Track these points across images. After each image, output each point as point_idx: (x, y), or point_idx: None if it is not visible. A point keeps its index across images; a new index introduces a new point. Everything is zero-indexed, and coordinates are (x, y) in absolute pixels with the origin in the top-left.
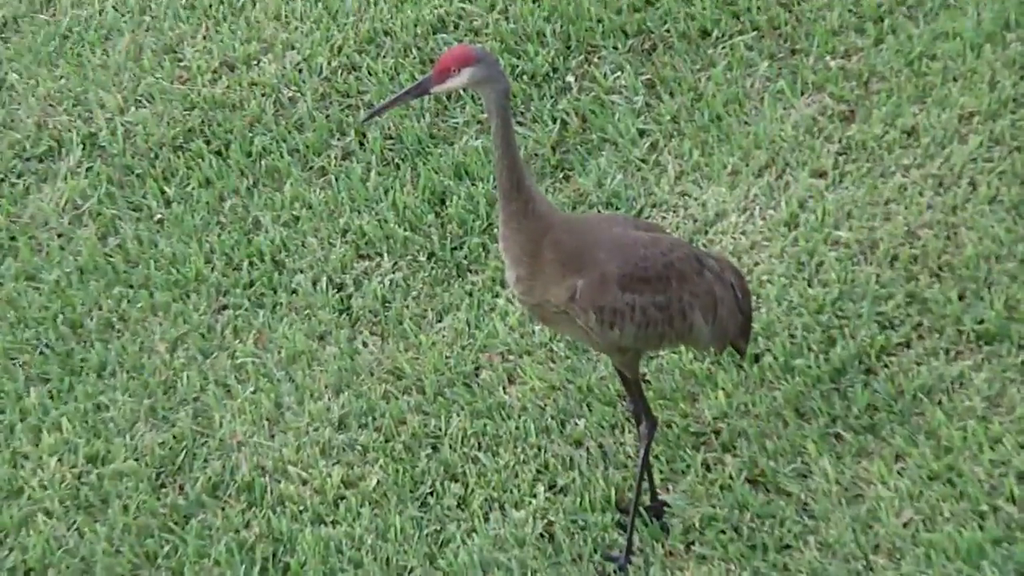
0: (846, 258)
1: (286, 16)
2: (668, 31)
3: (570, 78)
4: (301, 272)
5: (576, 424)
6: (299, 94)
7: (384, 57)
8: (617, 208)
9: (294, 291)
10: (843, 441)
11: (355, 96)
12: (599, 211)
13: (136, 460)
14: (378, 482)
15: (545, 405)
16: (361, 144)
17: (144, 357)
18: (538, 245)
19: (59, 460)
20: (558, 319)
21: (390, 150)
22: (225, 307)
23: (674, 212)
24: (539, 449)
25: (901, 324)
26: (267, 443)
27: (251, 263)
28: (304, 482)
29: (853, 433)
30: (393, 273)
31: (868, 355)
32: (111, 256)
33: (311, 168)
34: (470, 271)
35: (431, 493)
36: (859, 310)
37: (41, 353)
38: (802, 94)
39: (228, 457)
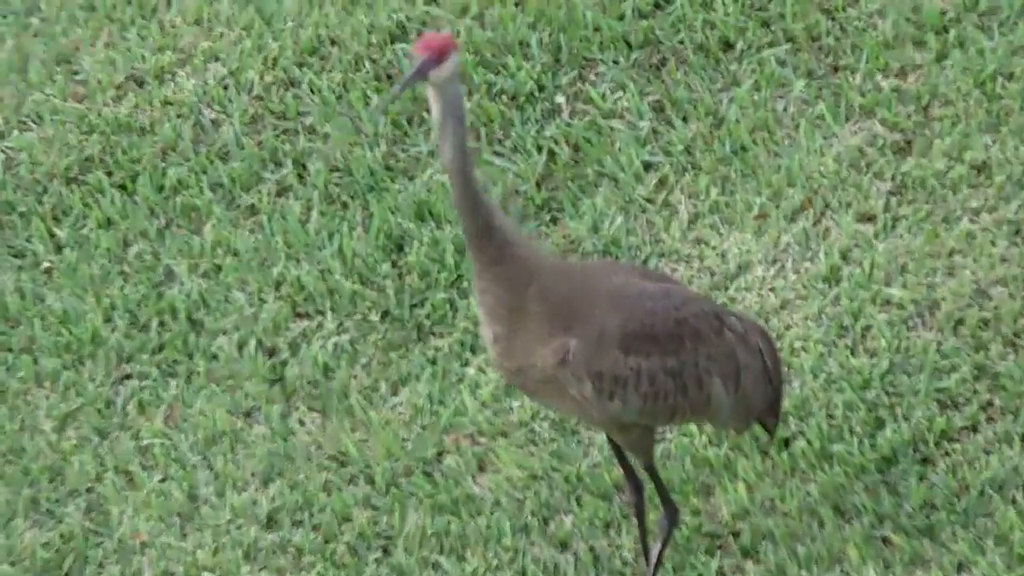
0: (899, 321)
1: (209, 20)
2: (682, 42)
3: (560, 98)
4: (224, 333)
5: (562, 522)
6: (224, 115)
7: (329, 71)
8: (617, 257)
9: (214, 357)
10: (892, 546)
11: (293, 118)
12: (595, 259)
13: (12, 564)
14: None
15: (524, 498)
16: (301, 178)
17: (25, 437)
18: (520, 296)
19: None
20: (544, 389)
21: (336, 184)
22: (128, 376)
23: (687, 263)
24: (516, 552)
25: (966, 403)
26: (177, 544)
27: (161, 322)
28: None
29: (905, 536)
30: (338, 335)
31: (924, 441)
32: None
33: (238, 206)
34: (433, 333)
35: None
36: (915, 385)
37: None
38: (847, 120)
39: (128, 561)
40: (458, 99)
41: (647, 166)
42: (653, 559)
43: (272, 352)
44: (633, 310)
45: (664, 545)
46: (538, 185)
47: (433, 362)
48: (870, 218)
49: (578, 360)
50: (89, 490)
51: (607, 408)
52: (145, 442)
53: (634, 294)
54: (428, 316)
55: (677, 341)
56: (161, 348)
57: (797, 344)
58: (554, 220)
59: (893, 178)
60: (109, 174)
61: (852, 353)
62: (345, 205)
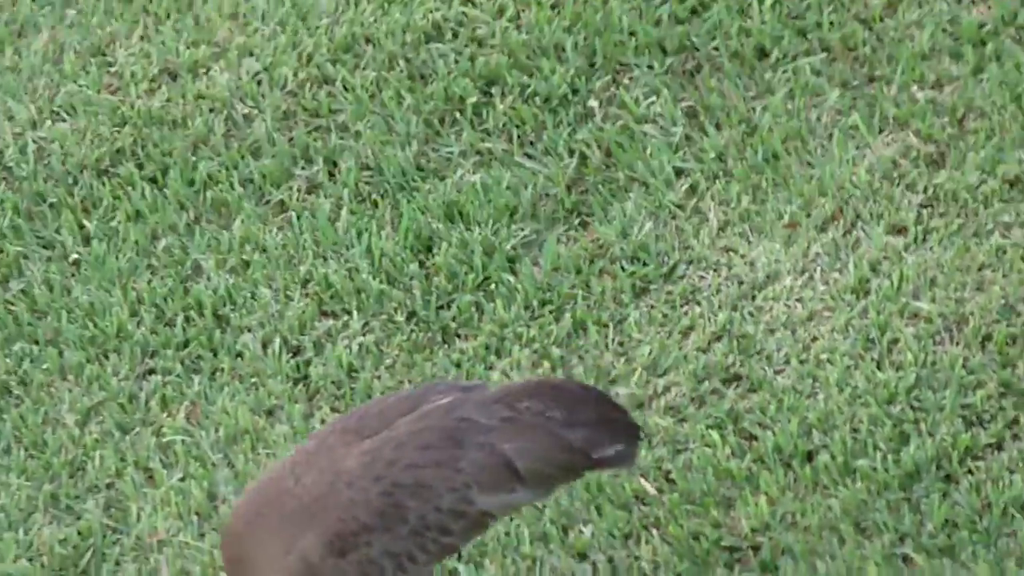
0: (926, 336)
1: (244, 15)
2: (717, 49)
3: (593, 102)
4: (249, 331)
5: (581, 532)
6: (256, 111)
7: (363, 69)
8: (644, 264)
9: (239, 354)
10: (913, 565)
11: (326, 115)
12: (621, 266)
13: (30, 560)
14: None
15: (543, 507)
16: (331, 175)
17: (47, 431)
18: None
19: None
20: None
21: (367, 183)
22: (152, 371)
23: (715, 271)
24: (534, 561)
25: (992, 420)
26: (195, 543)
27: (187, 318)
28: None
29: (925, 555)
30: (363, 335)
31: (949, 458)
32: (12, 304)
33: (267, 202)
34: (459, 336)
35: None
36: (940, 401)
37: None
38: (880, 132)
39: (145, 559)
40: None
41: (678, 172)
42: None
43: (297, 351)
44: (327, 513)
45: None
46: (568, 188)
47: (458, 365)
48: (901, 230)
49: None
50: (109, 486)
51: None
52: (166, 439)
53: (324, 490)
54: (454, 318)
55: (394, 508)
56: (186, 344)
57: (823, 356)
58: (583, 224)
59: (925, 190)
60: (140, 167)
61: (878, 367)
62: (375, 204)
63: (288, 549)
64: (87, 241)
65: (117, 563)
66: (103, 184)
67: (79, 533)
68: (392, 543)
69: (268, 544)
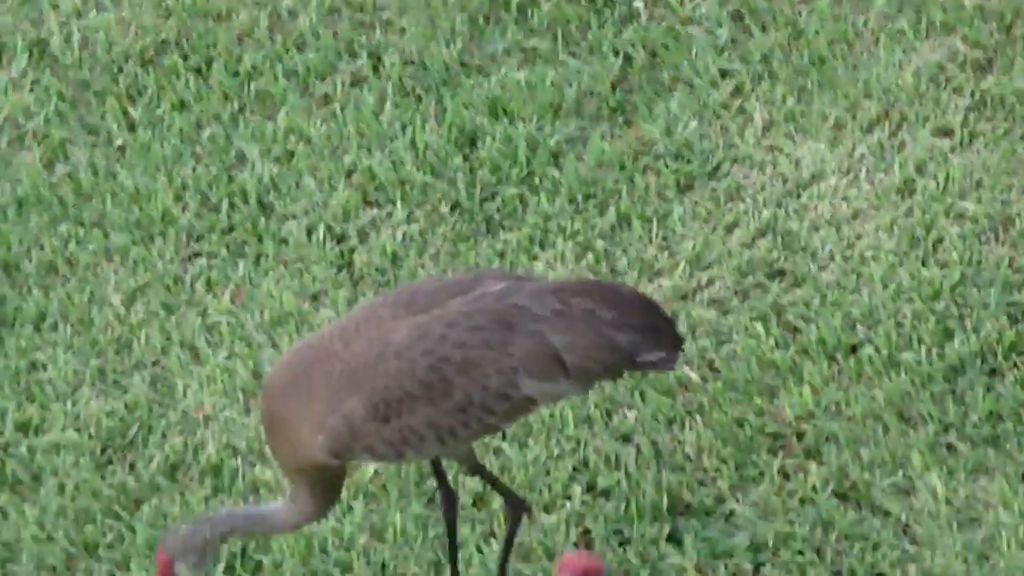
0: (972, 235)
1: None
2: None
3: (638, 3)
4: (293, 218)
5: (625, 416)
6: (300, 5)
7: None
8: (689, 161)
9: (283, 240)
10: (957, 453)
11: (370, 12)
12: (665, 163)
13: (78, 431)
14: (376, 472)
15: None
16: (375, 69)
17: (94, 309)
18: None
19: None
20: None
21: (411, 78)
22: (197, 255)
23: (760, 170)
24: (578, 443)
25: None
26: (240, 419)
27: (232, 204)
28: None
29: (970, 444)
30: (407, 224)
31: (993, 352)
32: (58, 187)
33: (312, 95)
34: (503, 227)
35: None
36: (985, 298)
37: None
38: (927, 36)
39: (191, 433)
40: (216, 546)
41: (723, 73)
42: (502, 553)
43: (341, 238)
44: (373, 380)
45: (512, 535)
46: (613, 87)
47: (501, 255)
48: (947, 132)
49: (342, 446)
50: (155, 363)
51: (410, 458)
52: (211, 319)
53: (372, 359)
54: (498, 210)
55: (441, 383)
56: (231, 229)
57: (868, 254)
58: (628, 122)
59: (972, 95)
60: (185, 58)
61: (923, 264)
62: (419, 98)
63: (331, 409)
64: (132, 128)
65: (163, 436)
66: (148, 73)
67: (126, 407)
68: (435, 415)
69: (310, 403)
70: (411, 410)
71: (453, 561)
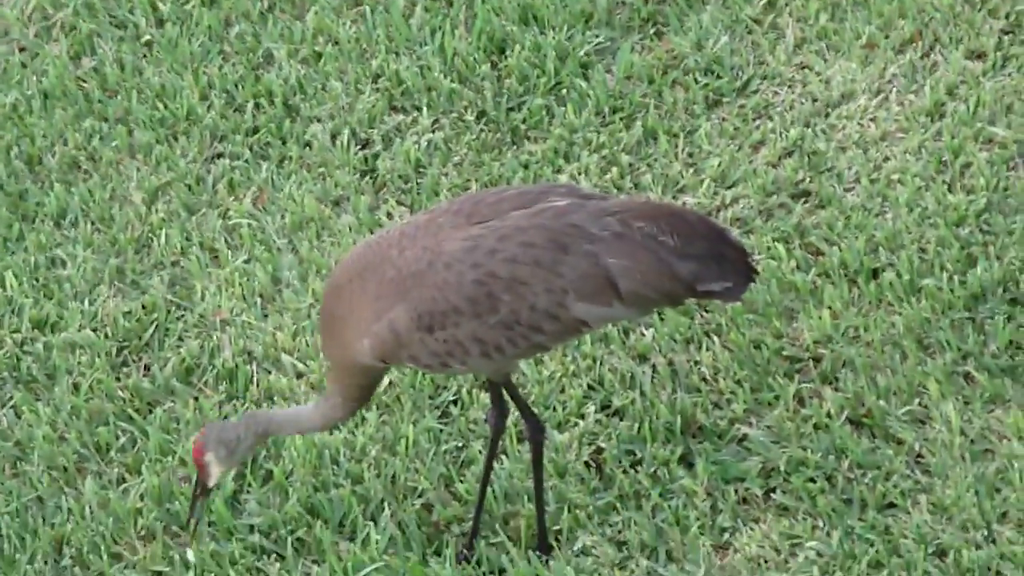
0: (1000, 161)
1: None
2: None
3: None
4: (318, 121)
5: (642, 335)
6: None
7: None
8: (718, 76)
9: (307, 144)
10: (974, 383)
11: None
12: (695, 78)
13: (94, 331)
14: (390, 383)
15: None
16: None
17: (115, 207)
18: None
19: None
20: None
21: None
22: (220, 155)
23: (789, 88)
24: (593, 361)
25: None
26: (258, 324)
27: (257, 105)
28: (299, 375)
29: (987, 375)
30: (432, 132)
31: (1016, 281)
32: (84, 81)
33: None
34: (528, 138)
35: (454, 402)
36: (1010, 225)
37: None
38: None
39: (208, 337)
40: (249, 445)
41: None
42: (535, 480)
43: (365, 144)
44: (421, 289)
45: (537, 459)
46: None
47: (526, 166)
48: (980, 55)
49: (387, 352)
50: (174, 264)
51: (456, 369)
52: (232, 221)
53: (423, 267)
54: (524, 120)
55: (486, 297)
56: (255, 130)
57: (894, 177)
58: (658, 34)
59: (1007, 16)
60: None
61: (949, 189)
62: (449, 3)
63: (379, 316)
64: (160, 23)
65: (180, 338)
66: None
67: (143, 307)
68: (480, 330)
69: (361, 306)
70: (456, 323)
71: (486, 474)
